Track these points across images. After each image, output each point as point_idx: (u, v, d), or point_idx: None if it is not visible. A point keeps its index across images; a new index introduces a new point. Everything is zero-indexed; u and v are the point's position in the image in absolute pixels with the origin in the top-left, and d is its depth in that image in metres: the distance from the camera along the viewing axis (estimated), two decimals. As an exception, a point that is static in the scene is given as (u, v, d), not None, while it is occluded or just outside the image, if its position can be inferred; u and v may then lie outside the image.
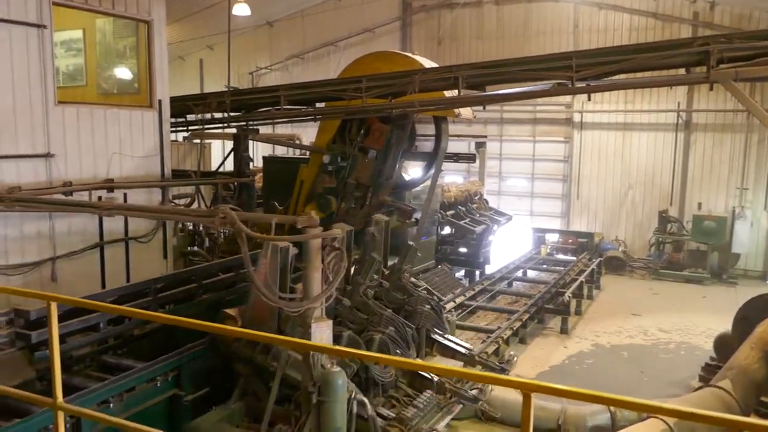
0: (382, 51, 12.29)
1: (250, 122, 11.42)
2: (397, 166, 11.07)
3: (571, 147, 19.21)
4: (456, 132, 16.94)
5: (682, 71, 8.04)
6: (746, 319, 8.28)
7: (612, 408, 7.52)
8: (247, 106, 11.33)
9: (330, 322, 5.54)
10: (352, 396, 5.46)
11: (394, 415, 6.24)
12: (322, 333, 5.33)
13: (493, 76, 8.95)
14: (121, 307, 4.42)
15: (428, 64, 10.58)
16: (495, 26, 19.89)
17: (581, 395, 2.45)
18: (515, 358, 9.23)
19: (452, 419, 7.77)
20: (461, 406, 7.09)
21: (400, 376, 6.86)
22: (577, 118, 19.12)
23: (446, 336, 8.20)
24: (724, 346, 8.65)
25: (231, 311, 6.09)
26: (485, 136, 19.42)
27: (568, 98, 18.53)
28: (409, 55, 11.46)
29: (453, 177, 19.47)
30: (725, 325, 8.87)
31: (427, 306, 8.16)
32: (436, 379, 6.83)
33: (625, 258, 17.48)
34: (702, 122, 17.59)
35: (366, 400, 5.71)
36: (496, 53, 19.15)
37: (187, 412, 5.85)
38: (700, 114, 17.52)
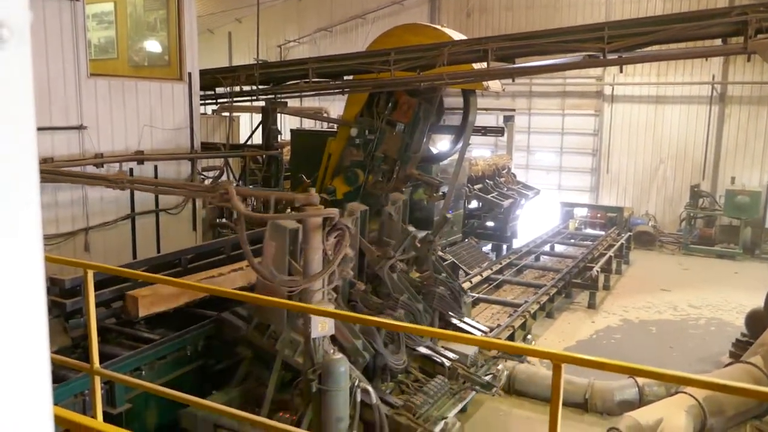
0: (410, 23, 12.17)
1: (279, 95, 11.44)
2: (424, 139, 11.02)
3: (601, 120, 18.87)
4: (484, 105, 16.77)
5: (718, 42, 7.83)
6: (779, 295, 8.15)
7: (640, 383, 7.51)
8: (276, 79, 11.34)
9: (331, 307, 5.13)
10: (356, 384, 5.12)
11: (401, 402, 5.87)
12: (318, 320, 4.93)
13: (522, 48, 8.82)
14: (156, 275, 4.51)
15: (457, 36, 10.45)
16: (525, -3, 19.52)
17: (612, 366, 2.45)
18: (533, 341, 9.20)
19: (479, 391, 7.84)
20: (474, 393, 6.84)
21: (410, 361, 6.59)
22: (607, 90, 18.75)
23: (462, 319, 8.08)
24: (756, 322, 8.54)
25: (134, 293, 5.78)
26: (514, 110, 19.19)
27: (598, 71, 18.17)
28: (438, 27, 11.32)
29: (481, 151, 19.31)
30: (757, 301, 8.74)
31: (441, 288, 7.99)
32: (448, 364, 6.70)
33: (655, 233, 17.25)
34: (737, 94, 17.13)
35: (370, 388, 5.36)
36: (526, 25, 18.81)
37: (216, 381, 5.98)
38: (735, 86, 17.05)
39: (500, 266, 12.54)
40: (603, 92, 18.85)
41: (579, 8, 18.54)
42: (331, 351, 5.09)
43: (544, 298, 10.68)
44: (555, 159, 19.79)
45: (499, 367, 7.28)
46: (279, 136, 11.87)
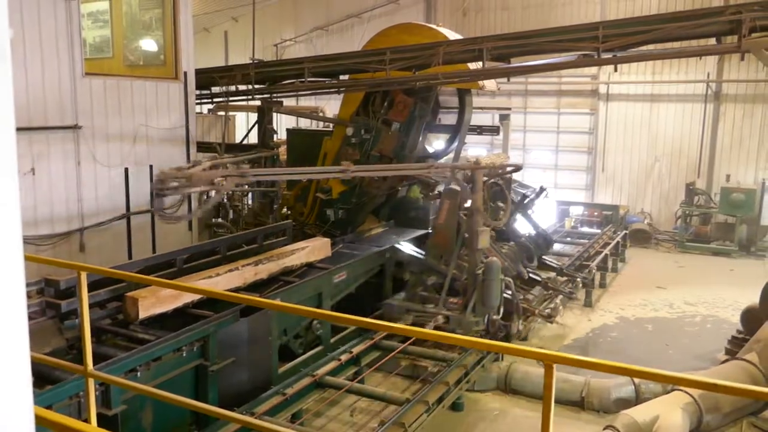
0: (406, 23, 12.19)
1: (275, 94, 11.44)
2: (420, 138, 11.04)
3: (597, 119, 18.89)
4: (480, 104, 16.70)
5: (712, 41, 7.86)
6: (774, 292, 8.17)
7: (636, 380, 7.53)
8: (272, 79, 11.34)
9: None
10: (503, 278, 8.60)
11: (521, 296, 9.60)
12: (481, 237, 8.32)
13: (517, 47, 8.84)
14: (150, 277, 4.50)
15: (452, 35, 10.48)
16: (521, -4, 19.52)
17: (603, 366, 2.45)
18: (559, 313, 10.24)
19: (476, 391, 7.86)
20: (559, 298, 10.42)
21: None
22: (603, 89, 18.77)
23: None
24: (752, 319, 8.56)
25: (134, 294, 5.89)
26: (509, 109, 19.13)
27: (593, 69, 18.15)
28: (434, 26, 11.35)
29: (477, 149, 19.31)
30: (753, 298, 8.75)
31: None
32: (541, 279, 10.69)
33: (651, 231, 17.28)
34: (732, 93, 17.15)
35: (511, 281, 9.06)
36: (522, 24, 18.80)
37: (213, 382, 5.98)
38: (730, 84, 17.08)
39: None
40: (598, 91, 18.86)
41: (574, 7, 18.54)
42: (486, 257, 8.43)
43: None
44: (551, 157, 19.79)
45: (557, 300, 10.31)
46: (275, 135, 11.87)
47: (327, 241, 8.66)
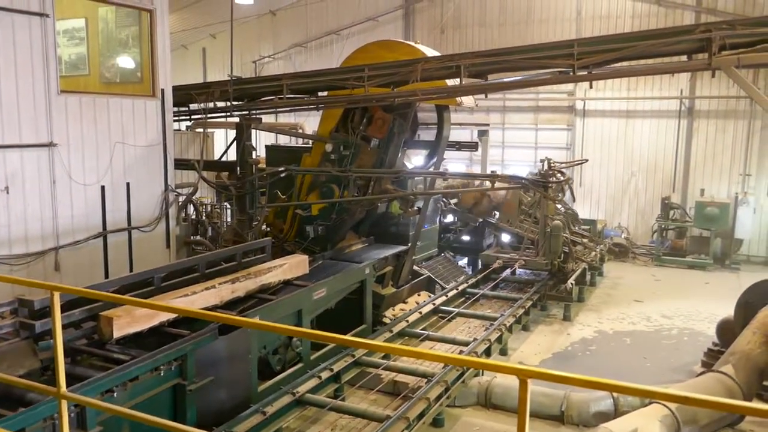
0: (384, 40, 12.29)
1: (253, 111, 11.42)
2: (399, 154, 11.08)
3: (574, 134, 19.14)
4: (458, 120, 16.88)
5: (684, 58, 8.02)
6: (749, 304, 8.30)
7: (614, 394, 7.57)
8: (250, 95, 11.34)
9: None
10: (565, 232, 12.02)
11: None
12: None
13: (494, 64, 8.96)
14: (123, 296, 4.45)
15: (430, 52, 10.58)
16: (498, 13, 19.76)
17: (579, 381, 2.46)
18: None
19: (455, 406, 7.86)
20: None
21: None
22: (579, 105, 19.05)
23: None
24: (727, 331, 8.67)
25: (108, 313, 5.78)
26: (488, 125, 19.33)
27: (570, 86, 18.41)
28: (412, 43, 11.45)
29: (456, 165, 19.45)
30: (728, 310, 8.87)
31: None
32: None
33: (628, 244, 17.48)
34: (705, 109, 17.50)
35: (567, 236, 12.60)
36: (499, 41, 19.04)
37: (192, 402, 5.90)
38: (702, 101, 17.42)
39: (476, 280, 12.59)
40: (575, 107, 19.13)
41: (550, 24, 18.84)
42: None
43: (520, 311, 10.73)
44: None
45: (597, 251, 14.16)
46: (254, 152, 11.84)
47: (304, 258, 8.64)
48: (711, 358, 8.62)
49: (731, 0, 16.87)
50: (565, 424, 7.52)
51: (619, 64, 8.34)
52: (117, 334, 5.67)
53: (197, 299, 6.52)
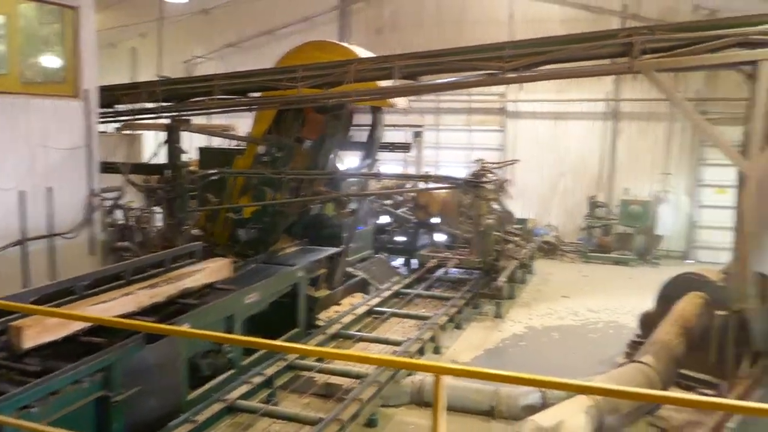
0: (318, 40, 12.24)
1: (183, 112, 11.18)
2: (332, 156, 11.09)
3: (506, 136, 19.60)
4: (392, 122, 17.01)
5: (609, 61, 8.31)
6: (667, 296, 8.68)
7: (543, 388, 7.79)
8: (180, 96, 11.10)
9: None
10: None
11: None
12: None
13: (427, 66, 9.07)
14: (29, 305, 4.29)
15: (364, 54, 10.63)
16: (434, 15, 20.00)
17: (495, 376, 2.55)
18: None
19: (389, 406, 7.92)
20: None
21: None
22: (511, 107, 19.51)
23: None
24: (648, 323, 9.04)
25: (17, 323, 5.57)
26: (422, 126, 19.59)
27: (501, 88, 18.83)
28: (346, 45, 11.49)
29: (390, 166, 19.58)
30: (650, 303, 9.25)
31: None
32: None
33: (557, 242, 18.03)
34: (628, 111, 18.24)
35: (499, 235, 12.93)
36: (436, 42, 19.21)
37: (118, 414, 5.73)
38: (626, 103, 18.15)
39: (410, 280, 12.72)
40: (506, 109, 19.59)
41: (485, 26, 19.12)
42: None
43: (453, 310, 10.92)
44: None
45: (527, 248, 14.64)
46: (186, 154, 11.58)
47: (227, 261, 8.47)
48: (633, 349, 8.96)
49: (654, 7, 17.64)
50: (496, 418, 7.68)
51: (547, 67, 8.58)
52: (27, 344, 5.43)
53: (114, 306, 6.30)
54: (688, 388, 8.00)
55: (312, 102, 9.90)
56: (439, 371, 2.58)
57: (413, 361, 2.85)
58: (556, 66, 8.35)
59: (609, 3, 18.06)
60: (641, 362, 7.54)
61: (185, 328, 6.46)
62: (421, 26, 20.00)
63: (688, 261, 17.01)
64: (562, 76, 9.07)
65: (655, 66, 7.28)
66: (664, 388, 7.54)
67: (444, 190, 13.47)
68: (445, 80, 9.59)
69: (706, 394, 7.41)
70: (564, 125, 18.98)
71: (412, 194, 14.62)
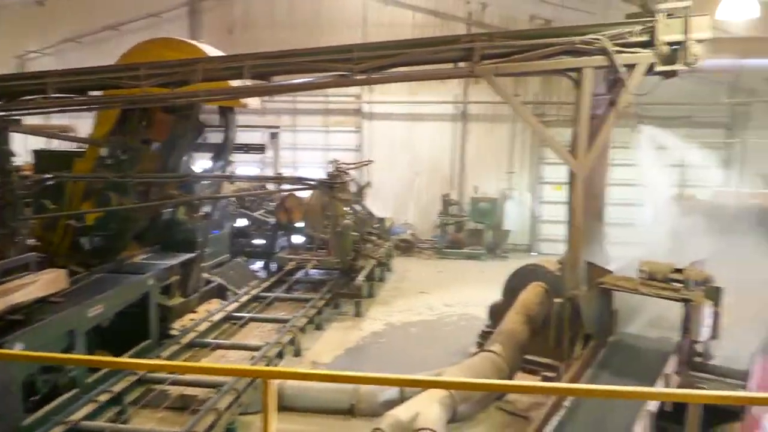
0: (165, 38, 11.70)
1: (13, 112, 10.20)
2: (183, 157, 10.67)
3: (362, 137, 19.93)
4: (248, 122, 16.70)
5: (453, 65, 8.67)
6: (512, 287, 9.25)
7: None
8: (9, 94, 10.11)
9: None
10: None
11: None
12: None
13: (278, 66, 8.94)
14: None
15: (214, 52, 10.31)
16: (287, 16, 19.85)
17: (321, 376, 2.57)
18: None
19: (248, 414, 7.75)
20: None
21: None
22: (366, 108, 19.86)
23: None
24: (496, 313, 9.56)
25: None
26: (278, 127, 19.42)
27: (357, 89, 19.14)
28: (194, 43, 11.09)
29: (247, 168, 19.22)
30: (499, 295, 9.79)
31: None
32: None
33: (414, 240, 18.63)
34: (476, 113, 19.26)
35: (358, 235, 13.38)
36: (290, 43, 18.97)
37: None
38: (474, 105, 19.15)
39: (269, 284, 12.54)
40: (362, 110, 19.91)
41: (338, 29, 19.28)
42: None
43: (313, 311, 10.91)
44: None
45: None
46: (16, 157, 10.59)
47: (61, 272, 7.84)
48: (484, 339, 9.44)
49: (496, 15, 18.77)
50: (356, 416, 7.78)
51: (396, 69, 8.80)
52: None
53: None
54: (532, 372, 8.57)
55: (158, 102, 9.42)
56: (266, 375, 2.55)
57: (242, 367, 2.80)
58: (404, 69, 8.59)
59: (456, 10, 18.95)
60: (490, 351, 7.98)
61: (17, 348, 5.92)
62: (273, 27, 19.75)
63: (533, 253, 18.25)
64: (410, 79, 9.35)
65: (493, 70, 7.70)
66: (512, 374, 8.04)
67: (309, 194, 13.45)
68: (297, 81, 9.54)
69: (547, 377, 8.01)
70: (417, 126, 19.65)
71: (276, 196, 14.42)
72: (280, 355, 9.14)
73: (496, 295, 10.01)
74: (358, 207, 14.89)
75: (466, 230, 18.38)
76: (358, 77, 8.40)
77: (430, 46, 8.28)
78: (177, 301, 10.33)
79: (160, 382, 7.74)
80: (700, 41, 6.36)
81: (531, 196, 19.13)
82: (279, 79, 9.40)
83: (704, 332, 5.87)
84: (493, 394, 7.62)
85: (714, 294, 5.90)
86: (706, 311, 5.78)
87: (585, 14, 14.19)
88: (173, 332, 9.76)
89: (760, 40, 9.52)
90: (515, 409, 7.84)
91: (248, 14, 20.11)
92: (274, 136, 18.57)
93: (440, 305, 12.82)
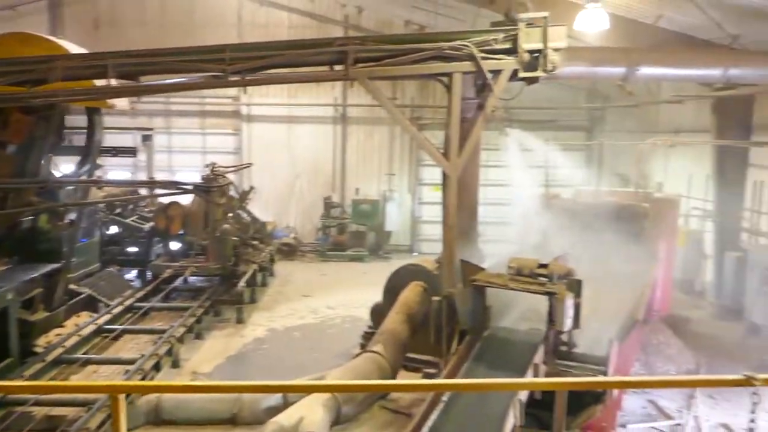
0: (21, 32, 10.85)
1: None
2: (44, 161, 9.93)
3: (241, 139, 19.51)
4: (117, 124, 15.86)
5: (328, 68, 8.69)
6: (393, 288, 9.42)
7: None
8: None
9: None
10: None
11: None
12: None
13: (146, 65, 8.54)
14: None
15: (76, 50, 9.72)
16: (159, 14, 19.03)
17: (178, 387, 2.50)
18: None
19: (127, 430, 7.35)
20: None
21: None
22: (244, 110, 19.47)
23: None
24: (378, 314, 9.69)
25: None
26: (151, 129, 18.56)
27: (234, 91, 18.67)
28: (54, 39, 10.38)
29: (119, 172, 18.27)
30: (381, 296, 9.92)
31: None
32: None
33: (296, 243, 18.50)
34: (356, 116, 19.44)
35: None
36: (162, 42, 18.18)
37: None
38: (353, 108, 19.31)
39: (144, 293, 11.98)
40: (240, 112, 19.50)
41: (212, 29, 18.72)
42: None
43: (191, 320, 10.55)
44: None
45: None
46: None
47: None
48: (367, 340, 9.54)
49: (373, 19, 19.04)
50: (239, 425, 7.60)
51: (272, 71, 8.69)
52: None
53: None
54: (415, 370, 8.78)
55: (12, 102, 8.71)
56: (116, 390, 2.45)
57: (89, 383, 2.68)
58: (280, 70, 8.50)
59: (332, 13, 19.03)
60: (373, 351, 8.07)
61: None
62: (144, 25, 18.86)
63: (414, 253, 18.68)
64: (285, 81, 9.30)
65: (367, 74, 7.80)
66: (394, 373, 8.18)
67: (191, 200, 13.00)
68: (168, 81, 9.18)
69: (429, 374, 8.23)
70: (297, 129, 19.53)
71: (154, 203, 13.78)
72: (157, 367, 8.76)
73: (378, 296, 10.15)
74: (241, 212, 14.59)
75: (348, 232, 18.50)
76: (231, 78, 8.19)
77: (305, 48, 8.25)
78: (41, 315, 9.60)
79: (22, 403, 7.18)
80: (557, 50, 6.79)
81: (411, 197, 19.58)
82: (149, 80, 9.02)
83: (568, 323, 6.25)
84: (376, 394, 7.71)
85: (575, 287, 6.31)
86: (569, 303, 6.16)
87: (457, 21, 14.72)
88: (38, 349, 9.07)
89: (609, 50, 10.29)
90: (398, 407, 7.98)
91: (115, 10, 19.08)
92: (146, 138, 17.71)
93: (324, 308, 12.82)
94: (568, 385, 4.28)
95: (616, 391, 6.89)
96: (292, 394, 7.83)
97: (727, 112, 12.77)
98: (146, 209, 14.75)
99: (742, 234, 13.08)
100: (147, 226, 13.89)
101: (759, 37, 11.41)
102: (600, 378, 4.79)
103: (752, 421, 2.85)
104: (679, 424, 8.13)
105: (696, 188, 14.48)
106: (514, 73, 7.02)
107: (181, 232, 13.52)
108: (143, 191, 15.28)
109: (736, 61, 9.97)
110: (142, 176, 18.03)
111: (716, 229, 13.41)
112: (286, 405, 7.69)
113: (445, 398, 5.70)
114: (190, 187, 10.48)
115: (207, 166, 12.82)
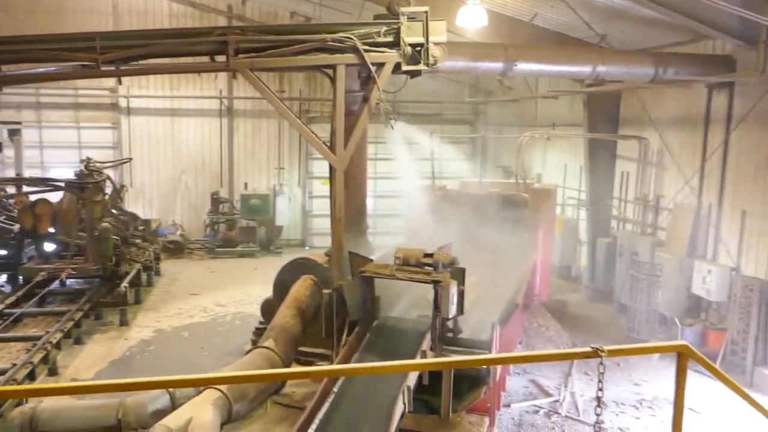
0: None
1: None
2: None
3: (120, 133, 18.54)
4: (-22, 117, 14.64)
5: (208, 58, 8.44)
6: (283, 282, 9.32)
7: (170, 388, 7.63)
8: None
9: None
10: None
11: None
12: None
13: (9, 54, 7.97)
14: None
15: (-75, 36, 8.83)
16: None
17: (56, 390, 2.37)
18: None
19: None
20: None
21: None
22: (123, 103, 18.51)
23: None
24: (269, 309, 9.57)
25: None
26: (19, 123, 17.24)
27: (112, 82, 17.70)
28: None
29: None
30: (271, 291, 9.80)
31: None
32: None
33: (184, 241, 17.89)
34: (242, 109, 19.02)
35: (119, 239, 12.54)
36: (29, 29, 16.96)
37: None
38: (240, 101, 18.88)
39: (15, 298, 11.15)
40: (119, 104, 18.52)
41: (86, 16, 17.64)
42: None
43: (69, 325, 9.94)
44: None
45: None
46: None
47: None
48: (258, 336, 9.41)
49: (257, 10, 18.67)
50: (124, 431, 7.27)
51: (149, 61, 8.32)
52: None
53: None
54: (308, 364, 8.76)
55: None
56: None
57: None
58: (157, 61, 8.17)
59: (216, 2, 18.48)
60: (263, 347, 7.97)
61: None
62: (6, 11, 17.41)
63: (306, 248, 18.62)
64: (163, 71, 8.97)
65: (248, 65, 7.68)
66: (287, 367, 8.12)
67: (61, 197, 12.20)
68: (31, 71, 8.59)
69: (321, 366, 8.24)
70: (181, 122, 18.84)
71: (20, 201, 12.79)
72: (31, 376, 8.20)
73: (270, 291, 10.03)
74: (115, 210, 13.91)
75: (238, 228, 18.11)
76: (103, 68, 7.82)
77: (183, 38, 8.01)
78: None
79: None
80: (437, 44, 6.98)
81: (302, 191, 19.45)
82: (14, 69, 8.39)
83: (452, 310, 6.46)
84: (268, 390, 7.61)
85: (459, 274, 6.53)
86: (453, 290, 6.37)
87: (342, 13, 14.74)
88: None
89: (488, 45, 10.70)
90: (291, 402, 7.95)
91: (-26, -4, 17.52)
92: (14, 133, 16.43)
93: (214, 306, 12.51)
94: (451, 364, 4.49)
95: (498, 373, 7.23)
96: (180, 395, 7.62)
97: (596, 107, 13.65)
98: (16, 209, 13.70)
99: (612, 221, 14.05)
100: (17, 227, 12.91)
101: (623, 37, 12.30)
102: (478, 357, 5.03)
103: (600, 389, 3.06)
104: (557, 401, 8.66)
105: (571, 179, 15.39)
106: (398, 65, 7.16)
107: (52, 230, 12.65)
108: (11, 190, 14.21)
109: (604, 60, 10.66)
110: (11, 174, 16.73)
111: (589, 217, 14.31)
112: (174, 407, 7.45)
113: (335, 389, 5.74)
114: (61, 184, 9.82)
115: (82, 161, 12.10)
